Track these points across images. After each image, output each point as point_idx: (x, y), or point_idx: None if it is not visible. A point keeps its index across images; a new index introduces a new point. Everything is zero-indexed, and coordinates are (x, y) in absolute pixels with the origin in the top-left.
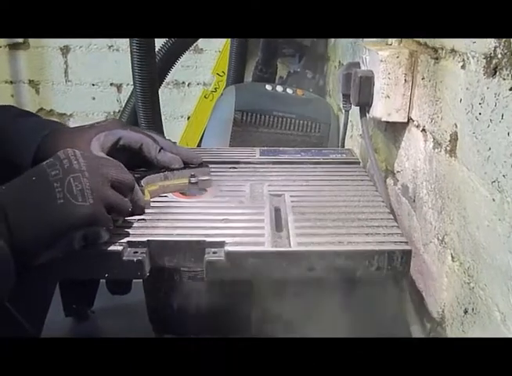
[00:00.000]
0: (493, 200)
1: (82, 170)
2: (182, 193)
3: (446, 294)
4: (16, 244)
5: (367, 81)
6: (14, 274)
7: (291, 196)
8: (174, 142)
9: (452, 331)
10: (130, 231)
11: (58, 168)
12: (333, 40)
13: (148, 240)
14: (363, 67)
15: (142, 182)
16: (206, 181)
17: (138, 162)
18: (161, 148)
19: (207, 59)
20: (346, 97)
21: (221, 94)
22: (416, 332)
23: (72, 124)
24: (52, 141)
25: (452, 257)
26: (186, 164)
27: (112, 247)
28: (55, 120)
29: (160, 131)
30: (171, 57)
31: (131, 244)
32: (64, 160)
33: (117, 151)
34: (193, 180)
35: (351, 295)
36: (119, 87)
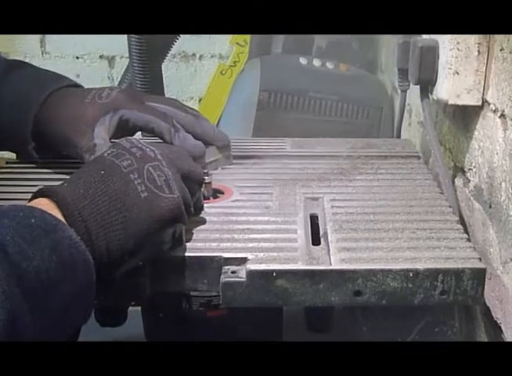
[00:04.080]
0: None
1: (159, 159)
2: None
3: None
4: (97, 254)
5: (430, 53)
6: (95, 290)
7: (331, 200)
8: (198, 113)
9: None
10: None
11: (128, 157)
12: None
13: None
14: (425, 35)
15: None
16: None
17: None
18: (177, 131)
19: None
20: (403, 73)
21: (243, 69)
22: None
23: None
24: (49, 115)
25: None
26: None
27: None
28: (56, 73)
29: None
30: None
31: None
32: (132, 148)
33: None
34: (207, 179)
35: (409, 328)
36: (111, 60)
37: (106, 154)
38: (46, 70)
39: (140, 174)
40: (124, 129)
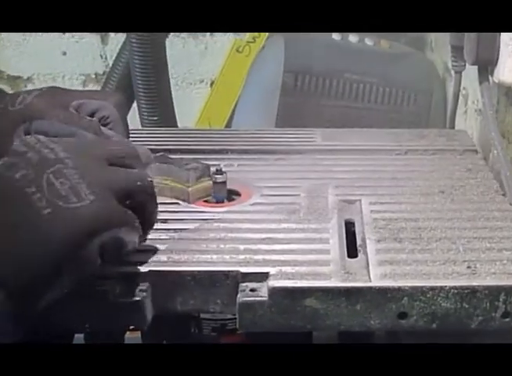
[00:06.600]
0: None
1: (60, 158)
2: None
3: None
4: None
5: None
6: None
7: (371, 203)
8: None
9: None
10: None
11: (22, 165)
12: None
13: (150, 271)
14: None
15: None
16: None
17: None
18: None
19: None
20: (457, 51)
21: (263, 46)
22: None
23: None
24: None
25: None
26: None
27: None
28: None
29: (168, 104)
30: None
31: (123, 276)
32: (28, 153)
33: None
34: (220, 178)
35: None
36: (104, 35)
37: None
38: None
39: (38, 185)
40: None
